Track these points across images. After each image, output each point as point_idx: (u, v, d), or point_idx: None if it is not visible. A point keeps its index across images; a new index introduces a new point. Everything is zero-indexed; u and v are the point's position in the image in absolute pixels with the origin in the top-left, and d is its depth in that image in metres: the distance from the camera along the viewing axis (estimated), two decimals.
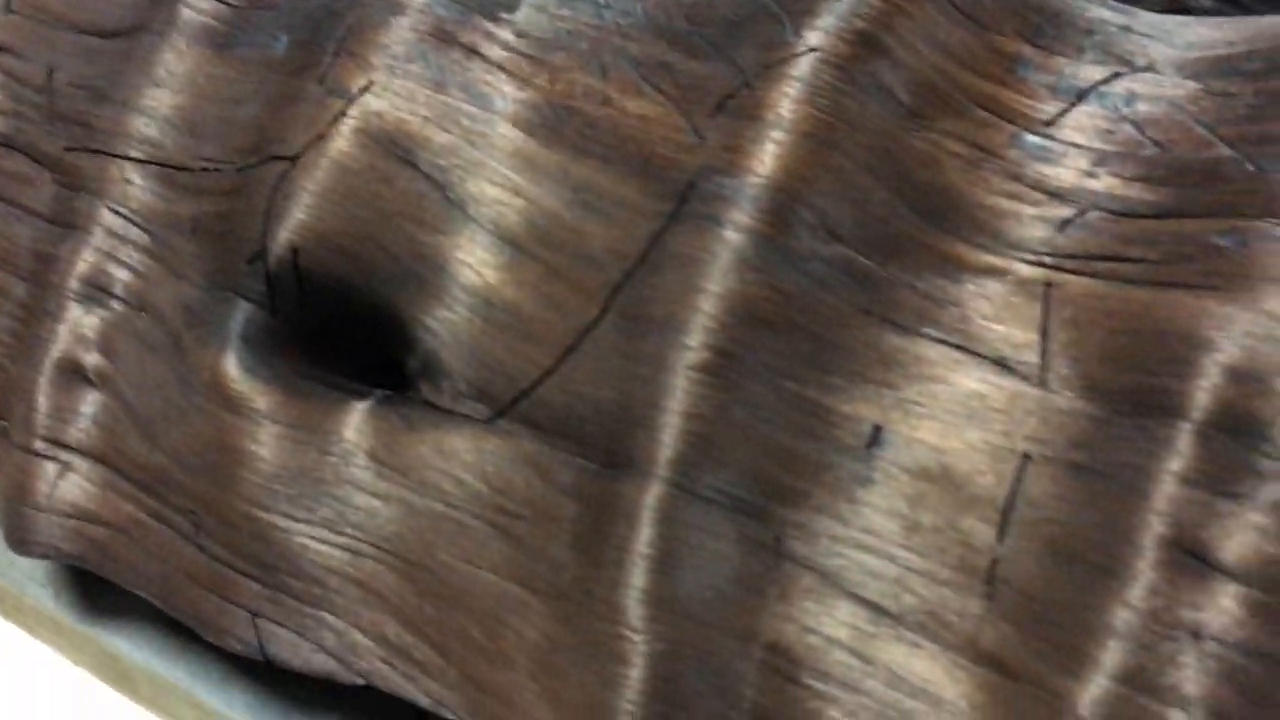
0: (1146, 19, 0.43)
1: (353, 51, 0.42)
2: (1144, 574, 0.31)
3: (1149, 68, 0.40)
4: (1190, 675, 0.30)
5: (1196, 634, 0.30)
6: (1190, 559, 0.30)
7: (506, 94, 0.41)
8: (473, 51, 0.41)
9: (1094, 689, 0.31)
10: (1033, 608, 0.32)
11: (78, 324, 0.45)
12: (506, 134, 0.40)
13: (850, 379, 0.35)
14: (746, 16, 0.40)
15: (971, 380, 0.35)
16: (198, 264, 0.44)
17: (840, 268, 0.36)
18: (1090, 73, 0.40)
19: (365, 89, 0.41)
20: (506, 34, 0.42)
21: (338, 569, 0.40)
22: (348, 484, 0.40)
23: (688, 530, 0.35)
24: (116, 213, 0.46)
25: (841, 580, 0.35)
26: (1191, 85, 0.38)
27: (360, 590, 0.40)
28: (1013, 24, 0.40)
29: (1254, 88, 0.37)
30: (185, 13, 0.47)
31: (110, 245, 0.46)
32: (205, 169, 0.45)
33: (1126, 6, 0.45)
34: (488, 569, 0.38)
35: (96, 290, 0.45)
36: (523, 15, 0.42)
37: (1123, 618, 0.31)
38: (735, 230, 0.36)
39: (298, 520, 0.41)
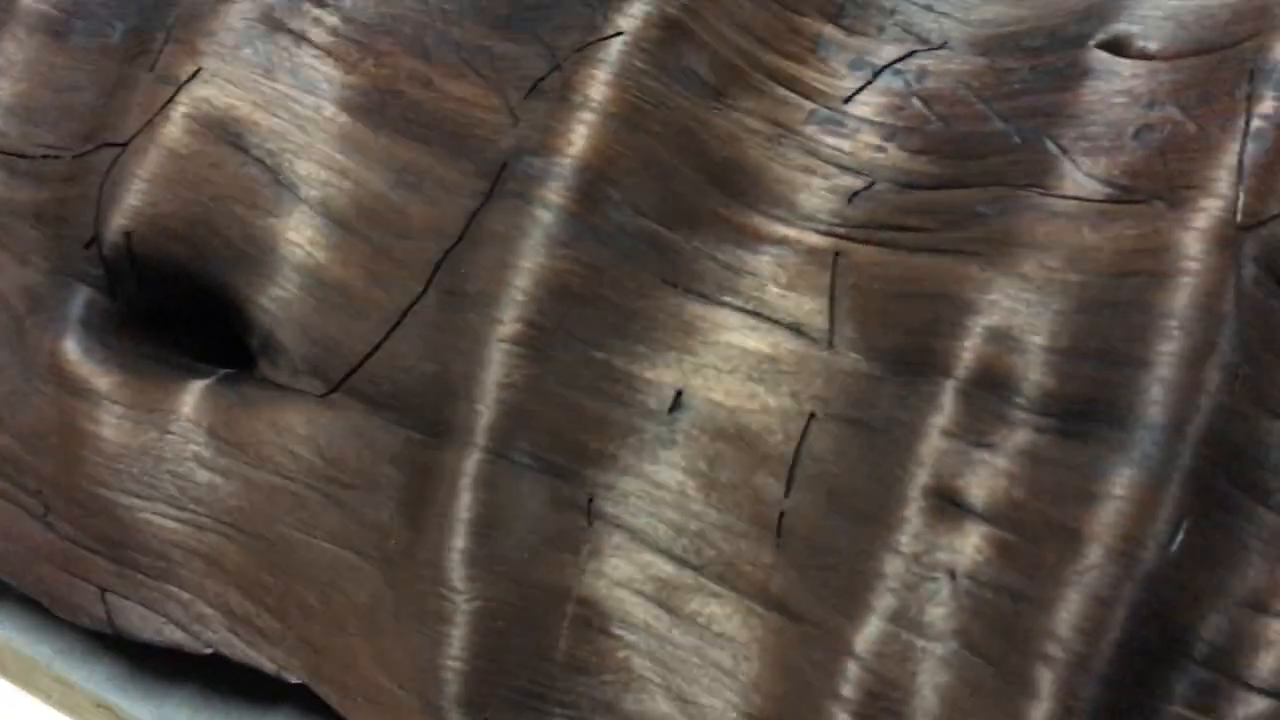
0: (948, 2, 0.45)
1: (182, 39, 0.43)
2: (909, 521, 0.33)
3: (944, 45, 0.42)
4: (946, 612, 0.32)
5: (952, 573, 0.32)
6: (948, 505, 0.33)
7: (333, 79, 0.42)
8: (300, 37, 0.43)
9: (868, 629, 0.33)
10: (815, 556, 0.35)
11: None
12: (333, 117, 0.42)
13: (653, 346, 0.37)
14: (561, 0, 0.41)
15: (765, 345, 0.37)
16: (40, 250, 0.45)
17: (645, 241, 0.38)
18: (889, 51, 0.42)
19: (194, 75, 0.42)
20: (333, 19, 0.43)
21: (181, 543, 0.42)
22: (188, 460, 0.42)
23: (504, 494, 0.37)
24: None
25: (647, 537, 0.37)
26: (979, 61, 0.41)
27: (204, 563, 0.42)
28: (815, 4, 0.43)
29: (1030, 63, 0.39)
30: (24, 1, 0.48)
31: None
32: (45, 156, 0.46)
33: None
34: (322, 537, 0.40)
35: None
36: (350, 2, 0.43)
37: (891, 563, 0.33)
38: (545, 208, 0.38)
39: (141, 497, 0.42)
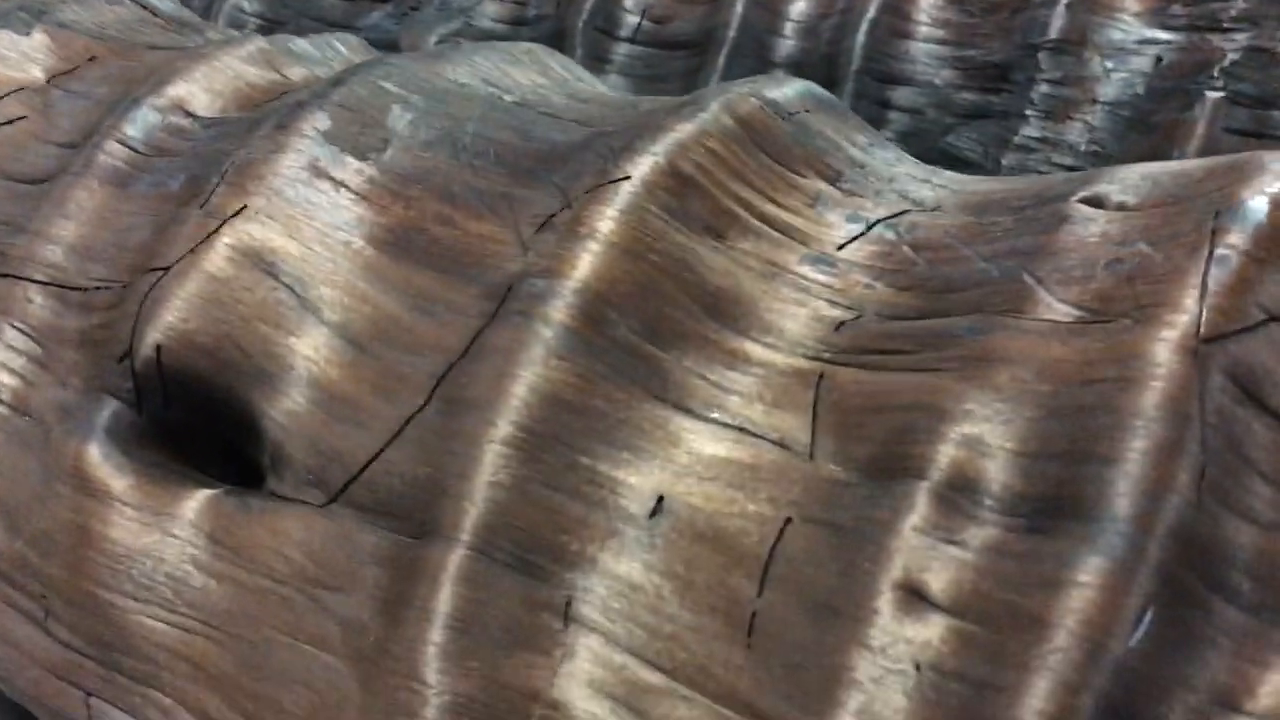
0: (948, 176, 0.49)
1: (233, 182, 0.47)
2: (879, 614, 0.33)
3: (937, 208, 0.45)
4: (909, 705, 0.31)
5: (918, 665, 0.32)
6: (913, 597, 0.32)
7: (365, 219, 0.46)
8: (340, 184, 0.47)
9: None
10: (785, 654, 0.34)
11: None
12: (361, 251, 0.45)
13: (638, 454, 0.38)
14: (577, 154, 0.45)
15: (747, 455, 0.38)
16: (79, 371, 0.48)
17: (638, 359, 0.40)
18: (883, 209, 0.45)
19: (240, 212, 0.46)
20: (371, 170, 0.47)
21: (169, 646, 0.42)
22: (187, 564, 0.42)
23: (484, 591, 0.37)
24: (16, 328, 0.50)
25: (621, 640, 0.37)
26: (966, 218, 0.43)
27: (189, 666, 0.42)
28: (815, 168, 0.46)
29: (1014, 218, 0.42)
30: (100, 157, 0.53)
31: (6, 357, 0.50)
32: (96, 288, 0.49)
33: (933, 167, 0.50)
34: (304, 639, 0.40)
35: None
36: (389, 156, 0.48)
37: (861, 658, 0.33)
38: (546, 325, 0.40)
39: (137, 599, 0.43)
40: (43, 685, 0.44)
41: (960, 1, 0.96)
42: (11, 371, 0.49)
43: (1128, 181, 0.41)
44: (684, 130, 0.44)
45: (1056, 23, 0.90)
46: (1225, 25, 0.87)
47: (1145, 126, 0.88)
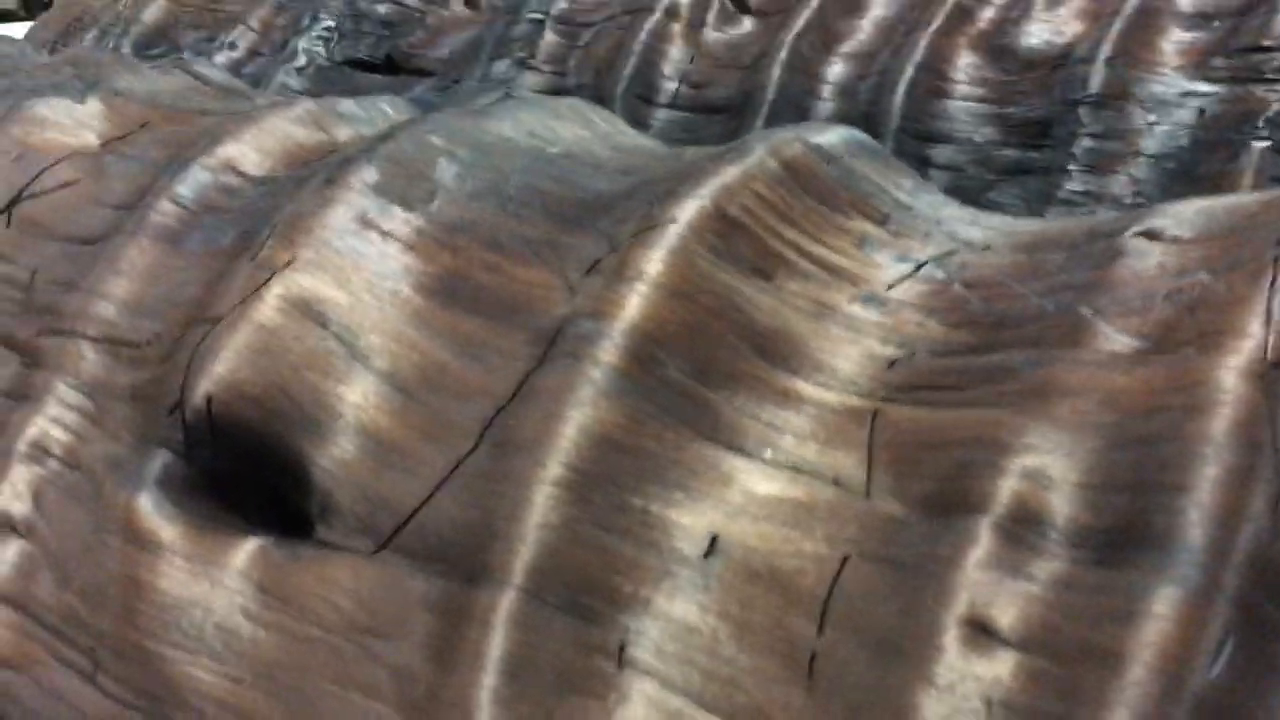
0: (995, 218, 0.48)
1: (283, 235, 0.47)
2: (944, 652, 0.32)
3: (987, 247, 0.44)
4: None
5: (989, 702, 0.31)
6: (980, 633, 0.31)
7: (413, 268, 0.46)
8: (388, 235, 0.47)
9: None
10: (848, 695, 0.33)
11: (16, 481, 0.49)
12: (409, 299, 0.45)
13: (690, 494, 0.38)
14: (622, 201, 0.45)
15: (802, 493, 0.37)
16: (130, 425, 0.48)
17: (688, 399, 0.39)
18: (932, 249, 0.44)
19: (289, 263, 0.46)
20: (419, 221, 0.47)
21: (218, 698, 0.42)
22: (236, 614, 0.42)
23: (536, 634, 0.37)
24: (68, 384, 0.50)
25: (677, 683, 0.36)
26: (1018, 256, 0.43)
27: (237, 719, 0.41)
28: (861, 209, 0.46)
29: (1066, 255, 0.41)
30: (153, 216, 0.53)
31: (58, 412, 0.50)
32: (149, 342, 0.50)
33: (979, 210, 0.50)
34: (354, 689, 0.39)
35: (39, 451, 0.49)
36: (436, 207, 0.48)
37: (927, 695, 0.32)
38: (596, 366, 0.39)
39: (187, 650, 0.42)
40: None
41: (998, 60, 0.96)
42: (64, 427, 0.50)
43: (1182, 216, 0.41)
44: (729, 174, 0.44)
45: (1096, 78, 0.90)
46: (1268, 76, 0.86)
47: (1191, 178, 0.87)
